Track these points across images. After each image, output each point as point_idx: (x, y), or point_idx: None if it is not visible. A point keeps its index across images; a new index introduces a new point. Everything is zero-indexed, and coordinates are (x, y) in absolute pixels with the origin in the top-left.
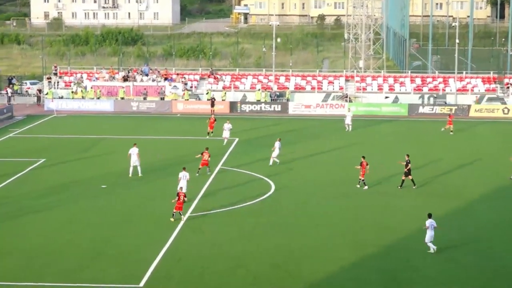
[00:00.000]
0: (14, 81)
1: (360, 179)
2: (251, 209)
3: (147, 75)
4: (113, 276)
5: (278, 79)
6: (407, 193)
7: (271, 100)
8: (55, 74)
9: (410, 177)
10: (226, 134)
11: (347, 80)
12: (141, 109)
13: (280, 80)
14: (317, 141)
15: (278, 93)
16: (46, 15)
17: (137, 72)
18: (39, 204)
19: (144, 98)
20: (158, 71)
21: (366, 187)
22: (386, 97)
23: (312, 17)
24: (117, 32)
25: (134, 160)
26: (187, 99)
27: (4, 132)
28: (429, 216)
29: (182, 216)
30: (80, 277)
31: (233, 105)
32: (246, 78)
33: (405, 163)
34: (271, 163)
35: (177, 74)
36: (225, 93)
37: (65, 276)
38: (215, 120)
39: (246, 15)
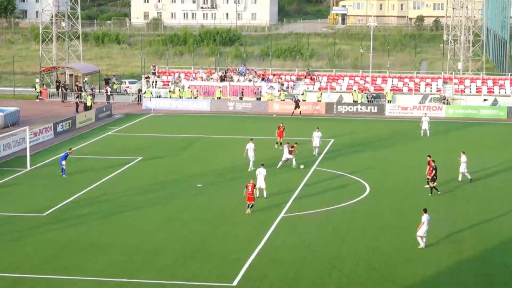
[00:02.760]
0: (114, 80)
1: (427, 178)
2: (346, 211)
3: (244, 75)
4: (207, 275)
5: (375, 81)
6: (504, 197)
7: (368, 101)
8: (154, 73)
9: (432, 183)
10: (316, 142)
11: (445, 82)
12: (238, 109)
13: (377, 82)
14: (414, 143)
15: (374, 94)
16: (146, 15)
17: (234, 72)
18: (137, 201)
19: (241, 98)
20: (255, 71)
21: (427, 185)
22: (485, 100)
23: (410, 18)
24: (215, 32)
25: (251, 155)
26: (283, 100)
27: (103, 130)
28: (425, 211)
29: (248, 209)
30: (176, 275)
31: (329, 106)
32: (343, 79)
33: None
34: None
35: (274, 74)
36: (321, 94)
37: (161, 274)
38: (284, 128)
39: (343, 16)
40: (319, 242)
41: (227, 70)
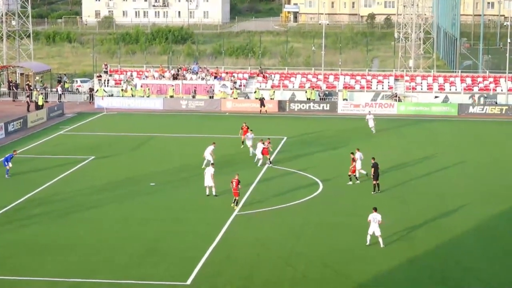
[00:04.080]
0: (65, 79)
1: (349, 174)
2: (300, 208)
3: (196, 73)
4: (163, 274)
5: (327, 78)
6: (463, 192)
7: (320, 99)
8: (106, 72)
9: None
10: (250, 143)
11: (396, 80)
12: (190, 108)
13: (329, 79)
14: (366, 141)
15: (327, 92)
16: (97, 14)
17: (186, 71)
18: (91, 201)
19: (193, 97)
20: (208, 70)
21: (350, 182)
22: (436, 97)
23: (362, 16)
24: (167, 30)
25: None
26: (236, 98)
27: (55, 129)
28: (375, 210)
29: (233, 204)
30: (131, 275)
31: (281, 104)
32: (295, 77)
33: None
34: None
35: (226, 72)
36: (274, 92)
37: (117, 273)
38: (248, 127)
39: (295, 14)
40: (273, 239)
41: (179, 68)
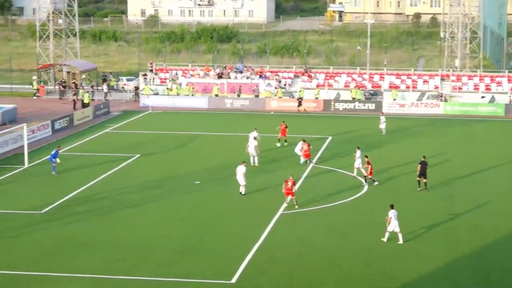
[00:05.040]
0: (111, 77)
1: (365, 176)
2: (344, 208)
3: (241, 72)
4: (205, 272)
5: (372, 78)
6: (508, 194)
7: (365, 98)
8: (151, 70)
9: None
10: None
11: (442, 79)
12: (235, 106)
13: (375, 79)
14: (412, 140)
15: (372, 92)
16: (143, 13)
17: (231, 70)
18: (135, 199)
19: (238, 95)
20: (252, 69)
21: (375, 183)
22: (482, 97)
23: (407, 15)
24: (212, 29)
25: (251, 151)
26: (281, 97)
27: (100, 128)
28: (391, 207)
29: (286, 203)
30: (173, 272)
31: (326, 104)
32: (340, 76)
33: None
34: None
35: (271, 71)
36: (319, 91)
37: (158, 271)
38: (286, 126)
39: (341, 13)
40: (317, 239)
41: (224, 67)
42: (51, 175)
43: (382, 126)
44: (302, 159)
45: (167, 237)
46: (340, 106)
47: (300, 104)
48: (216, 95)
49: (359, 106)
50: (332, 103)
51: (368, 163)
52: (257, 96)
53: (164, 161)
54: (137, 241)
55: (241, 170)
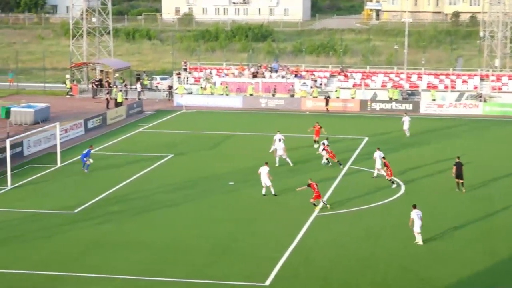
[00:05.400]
0: (144, 76)
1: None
2: (381, 209)
3: (276, 71)
4: (239, 274)
5: (410, 78)
6: None
7: (402, 98)
8: (185, 69)
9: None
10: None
11: (481, 79)
12: (270, 106)
13: (412, 79)
14: (450, 141)
15: (409, 92)
16: (177, 11)
17: (266, 69)
18: (168, 199)
19: (273, 95)
20: (288, 68)
21: (394, 185)
22: None
23: (446, 14)
24: (247, 28)
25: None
26: (316, 97)
27: (134, 127)
28: (414, 207)
29: (316, 205)
30: (206, 274)
31: (363, 103)
32: (377, 76)
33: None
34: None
35: (307, 71)
36: (355, 91)
37: (191, 273)
38: (321, 127)
39: (378, 12)
40: (352, 241)
41: (259, 66)
42: (84, 175)
43: (406, 127)
44: (324, 160)
45: (201, 238)
46: (377, 106)
47: (327, 103)
48: (251, 95)
49: (396, 106)
50: (369, 103)
51: (386, 165)
52: (292, 95)
53: (197, 161)
54: (170, 242)
55: (264, 170)
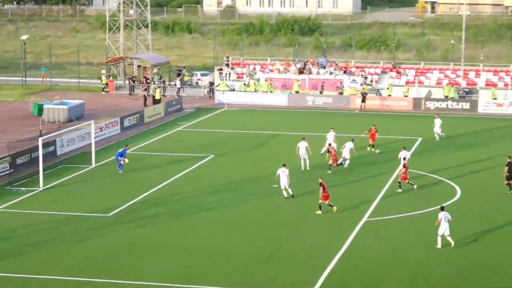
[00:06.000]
0: (184, 72)
1: (405, 182)
2: (434, 215)
3: (324, 67)
4: (283, 282)
5: (467, 74)
6: None
7: (459, 97)
8: (227, 65)
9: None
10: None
11: None
12: (317, 104)
13: (470, 76)
14: (509, 142)
15: (466, 90)
16: (219, 3)
17: (313, 64)
18: (207, 202)
19: (321, 92)
20: (336, 64)
21: (399, 190)
22: None
23: (506, 7)
24: (293, 21)
25: (303, 153)
26: (366, 94)
27: (173, 125)
28: (442, 208)
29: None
30: (248, 281)
31: (416, 102)
32: (432, 73)
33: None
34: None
35: (357, 67)
36: (408, 88)
37: (232, 280)
38: (376, 130)
39: (433, 4)
40: (404, 248)
41: (306, 62)
42: (119, 175)
43: (437, 130)
44: (347, 162)
45: (243, 243)
46: (432, 105)
47: (364, 100)
48: (297, 92)
49: (452, 105)
50: (423, 101)
51: (405, 166)
52: (341, 93)
53: (240, 162)
54: (210, 247)
55: (284, 172)
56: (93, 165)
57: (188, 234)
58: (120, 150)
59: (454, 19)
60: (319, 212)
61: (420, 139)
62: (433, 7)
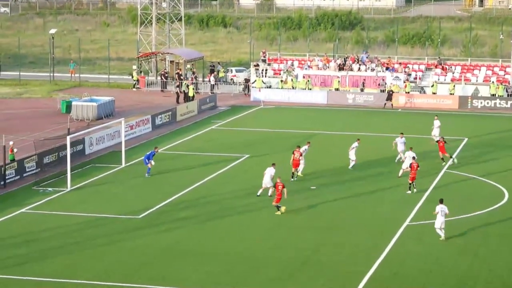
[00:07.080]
0: (219, 68)
1: (409, 182)
2: (481, 219)
3: (365, 64)
4: None
5: None
6: None
7: (508, 95)
8: (264, 61)
9: None
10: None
11: None
12: (358, 102)
13: None
14: None
15: None
16: None
17: (354, 61)
18: (242, 204)
19: (362, 90)
20: (378, 60)
21: (409, 191)
22: None
23: None
24: (333, 15)
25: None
26: (409, 92)
27: (206, 124)
28: (441, 201)
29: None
30: None
31: (463, 100)
32: (479, 70)
33: None
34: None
35: (400, 63)
36: (454, 86)
37: (267, 286)
38: (445, 142)
39: None
40: (448, 255)
41: (346, 58)
42: (151, 176)
43: (436, 132)
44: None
45: (278, 248)
46: (479, 104)
47: (390, 98)
48: (337, 89)
49: (500, 104)
50: (469, 100)
51: (412, 167)
52: (383, 91)
53: (276, 162)
54: (244, 252)
55: (269, 172)
56: (123, 165)
57: (221, 238)
58: (148, 153)
59: (503, 13)
60: (278, 212)
61: (466, 139)
62: (481, 1)
